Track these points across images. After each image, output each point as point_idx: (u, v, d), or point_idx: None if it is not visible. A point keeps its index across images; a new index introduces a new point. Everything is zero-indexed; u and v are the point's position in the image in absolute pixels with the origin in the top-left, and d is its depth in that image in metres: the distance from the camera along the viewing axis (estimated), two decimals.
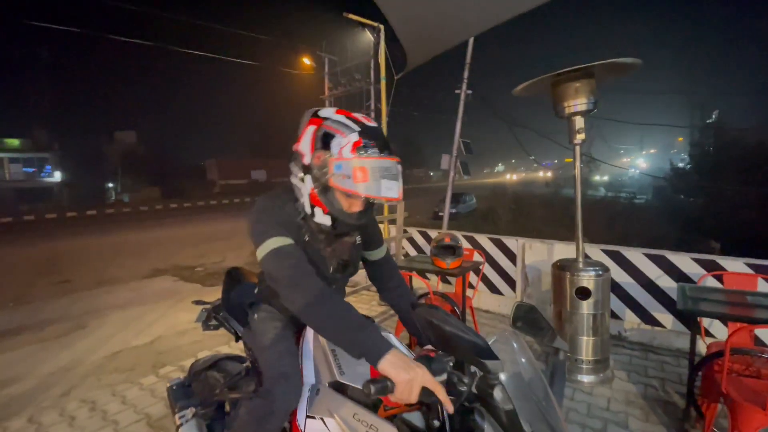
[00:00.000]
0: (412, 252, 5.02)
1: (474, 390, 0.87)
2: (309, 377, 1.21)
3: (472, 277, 3.99)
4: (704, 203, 18.54)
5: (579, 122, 2.69)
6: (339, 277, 1.31)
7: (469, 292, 3.26)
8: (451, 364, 0.93)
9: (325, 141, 1.07)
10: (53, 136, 33.53)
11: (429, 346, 1.06)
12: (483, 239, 4.21)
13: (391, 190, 1.05)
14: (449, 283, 4.45)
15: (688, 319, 2.86)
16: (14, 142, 31.45)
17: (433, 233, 4.83)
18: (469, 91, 5.82)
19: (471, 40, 5.12)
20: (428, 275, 4.23)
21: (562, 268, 2.83)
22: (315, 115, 1.14)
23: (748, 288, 2.41)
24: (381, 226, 5.37)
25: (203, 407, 1.68)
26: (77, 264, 8.01)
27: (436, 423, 0.92)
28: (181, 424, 1.63)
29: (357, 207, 1.15)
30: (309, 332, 1.32)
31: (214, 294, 2.31)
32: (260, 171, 40.36)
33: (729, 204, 15.48)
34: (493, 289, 4.15)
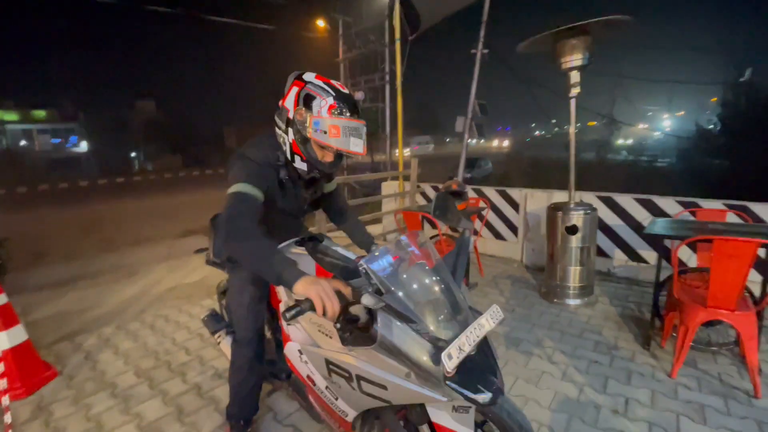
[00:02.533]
0: None
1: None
2: (282, 295, 1.57)
3: (478, 226, 4.42)
4: (729, 166, 17.97)
5: (575, 76, 2.98)
6: (306, 209, 1.68)
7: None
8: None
9: (306, 101, 1.33)
10: (77, 106, 34.56)
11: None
12: (490, 191, 4.59)
13: (358, 146, 1.33)
14: (456, 230, 4.89)
15: (654, 242, 3.26)
16: (41, 113, 32.55)
17: None
18: (485, 50, 5.87)
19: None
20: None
21: (555, 209, 3.22)
22: (299, 78, 1.39)
23: (717, 221, 2.76)
24: (396, 182, 5.78)
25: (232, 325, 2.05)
26: (115, 225, 8.65)
27: (364, 317, 1.15)
28: (219, 342, 2.04)
29: (329, 158, 1.42)
30: None
31: None
32: None
33: (756, 167, 15.02)
34: (498, 235, 4.57)
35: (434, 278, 1.18)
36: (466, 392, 1.01)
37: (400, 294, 1.08)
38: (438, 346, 1.04)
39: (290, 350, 1.50)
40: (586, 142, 28.22)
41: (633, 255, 3.67)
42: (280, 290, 1.59)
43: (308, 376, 1.44)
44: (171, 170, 27.46)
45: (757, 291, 2.30)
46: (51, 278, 4.45)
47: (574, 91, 3.01)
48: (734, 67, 20.82)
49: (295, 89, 1.37)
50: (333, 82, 1.39)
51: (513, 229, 4.45)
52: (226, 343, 2.02)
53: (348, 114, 1.33)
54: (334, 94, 1.34)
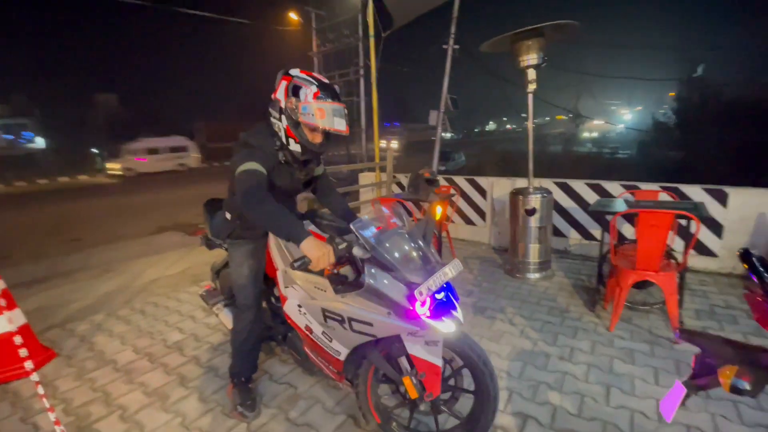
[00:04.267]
0: None
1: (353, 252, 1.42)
2: (279, 264, 1.84)
3: (450, 212, 4.76)
4: (683, 157, 19.24)
5: (531, 74, 3.33)
6: (300, 188, 1.91)
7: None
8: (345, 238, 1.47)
9: (295, 91, 1.58)
10: (32, 100, 32.56)
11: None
12: (459, 179, 4.94)
13: (341, 124, 1.59)
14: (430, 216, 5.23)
15: (599, 219, 3.70)
16: None
17: None
18: (456, 46, 6.18)
19: None
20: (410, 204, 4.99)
21: (516, 193, 3.59)
22: (286, 73, 1.63)
23: (651, 199, 3.20)
24: (373, 173, 6.04)
25: (229, 298, 2.31)
26: (83, 224, 8.24)
27: (351, 274, 1.50)
28: (218, 313, 2.31)
29: (318, 139, 1.66)
30: (271, 235, 1.89)
31: None
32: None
33: (707, 157, 16.19)
34: (468, 221, 4.94)
35: (407, 238, 1.48)
36: (433, 323, 1.31)
37: (381, 249, 1.36)
38: (411, 288, 1.32)
39: (290, 307, 1.78)
40: (554, 135, 29.49)
41: (586, 234, 4.12)
42: (277, 258, 1.85)
43: (306, 326, 1.71)
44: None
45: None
46: (21, 278, 4.21)
47: (531, 87, 3.37)
48: (688, 64, 22.22)
49: (284, 83, 1.62)
50: (315, 74, 1.66)
51: (481, 214, 4.82)
52: (224, 314, 2.27)
53: (330, 99, 1.59)
54: (316, 83, 1.60)
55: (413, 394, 1.51)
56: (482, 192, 4.76)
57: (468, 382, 1.57)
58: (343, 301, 1.47)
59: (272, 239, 1.90)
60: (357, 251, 1.37)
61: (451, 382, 1.64)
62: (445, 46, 6.03)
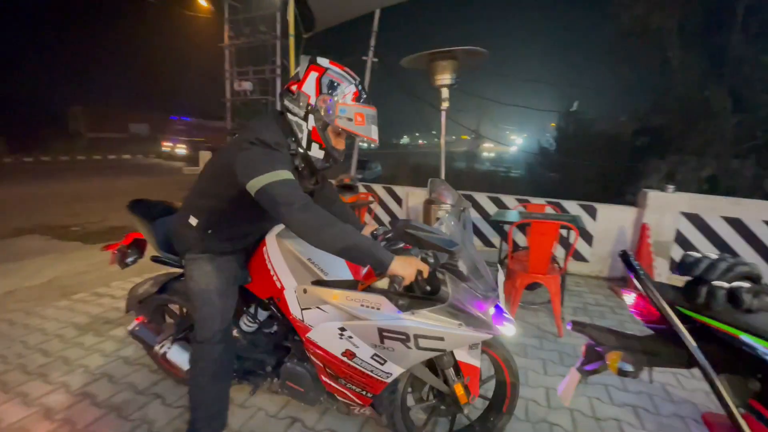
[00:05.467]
0: None
1: (441, 261, 1.42)
2: (288, 281, 1.51)
3: (368, 218, 4.82)
4: (561, 178, 22.70)
5: (445, 93, 3.59)
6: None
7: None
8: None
9: (330, 87, 1.31)
10: None
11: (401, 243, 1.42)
12: (378, 187, 5.07)
13: (376, 133, 1.37)
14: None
15: (498, 228, 4.15)
16: None
17: None
18: (375, 59, 6.36)
19: (378, 11, 5.64)
20: None
21: (429, 203, 3.80)
22: (314, 62, 1.36)
23: (539, 211, 3.68)
24: None
25: (180, 331, 1.84)
26: None
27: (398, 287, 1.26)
28: (165, 352, 1.79)
29: (341, 145, 1.43)
30: (272, 247, 1.56)
31: (99, 251, 2.29)
32: (142, 125, 35.40)
33: (578, 179, 19.41)
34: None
35: (469, 250, 1.48)
36: (501, 328, 1.32)
37: (463, 258, 1.40)
38: (482, 296, 1.35)
39: (325, 331, 1.44)
40: (459, 152, 32.21)
41: (486, 242, 4.54)
42: (286, 274, 1.53)
43: (346, 351, 1.43)
44: None
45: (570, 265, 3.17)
46: None
47: (445, 105, 3.62)
48: (567, 99, 26.26)
49: (314, 74, 1.33)
50: (347, 69, 1.39)
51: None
52: (175, 353, 1.80)
53: (368, 102, 1.36)
54: (354, 81, 1.35)
55: (464, 399, 1.48)
56: (398, 200, 4.94)
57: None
58: (411, 318, 1.32)
59: (274, 250, 1.55)
60: (462, 265, 1.34)
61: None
62: (364, 58, 6.18)
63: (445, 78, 3.49)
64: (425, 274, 1.26)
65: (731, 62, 10.02)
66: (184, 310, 1.91)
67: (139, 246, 1.95)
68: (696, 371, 0.72)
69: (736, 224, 3.57)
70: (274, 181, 1.23)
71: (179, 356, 1.78)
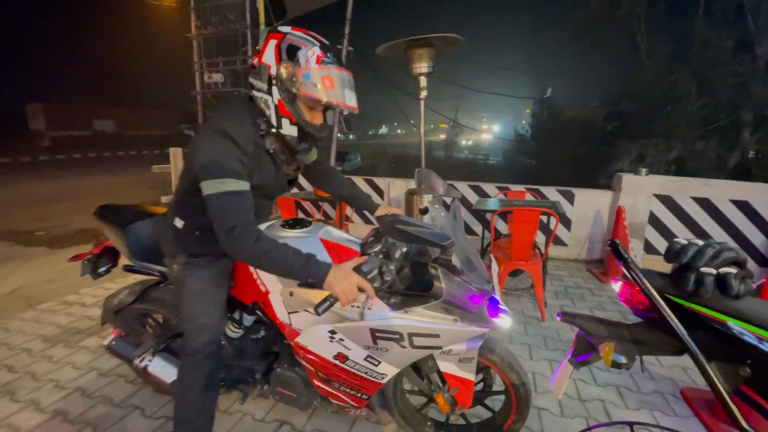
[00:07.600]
0: None
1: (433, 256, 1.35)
2: (273, 285, 1.42)
3: (349, 211, 4.76)
4: (537, 164, 23.16)
5: (422, 81, 3.53)
6: (287, 187, 1.48)
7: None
8: (381, 256, 1.28)
9: (290, 52, 1.16)
10: None
11: (362, 257, 1.26)
12: (358, 180, 4.99)
13: (352, 99, 1.21)
14: (330, 217, 5.17)
15: (480, 217, 4.19)
16: None
17: None
18: (350, 48, 6.22)
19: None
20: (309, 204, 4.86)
21: (411, 194, 3.77)
22: (274, 30, 1.23)
23: (519, 199, 3.71)
24: None
25: (161, 342, 1.72)
26: None
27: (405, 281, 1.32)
28: (146, 366, 1.67)
29: (318, 120, 1.27)
30: None
31: (67, 256, 2.25)
32: (107, 121, 33.77)
33: (554, 164, 19.82)
34: (367, 220, 5.02)
35: (461, 242, 1.41)
36: (497, 320, 1.27)
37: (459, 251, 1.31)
38: (476, 289, 1.29)
39: (314, 335, 1.38)
40: (438, 141, 32.32)
41: (469, 230, 4.56)
42: (270, 277, 1.42)
43: (338, 354, 1.38)
44: None
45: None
46: None
47: (423, 94, 3.57)
48: (541, 86, 26.65)
49: (273, 42, 1.19)
50: (311, 32, 1.25)
51: None
52: (157, 366, 1.69)
53: (337, 65, 1.19)
54: (318, 43, 1.20)
55: (445, 409, 1.44)
56: (380, 192, 4.89)
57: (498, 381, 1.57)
58: (404, 316, 1.27)
59: None
60: (455, 258, 1.25)
61: (479, 386, 1.59)
62: (339, 47, 6.05)
63: (422, 66, 3.43)
64: (371, 294, 1.15)
65: (696, 47, 10.35)
66: (165, 319, 1.81)
67: (112, 254, 1.82)
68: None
69: (705, 204, 3.71)
70: (218, 192, 1.13)
71: (162, 368, 1.67)
